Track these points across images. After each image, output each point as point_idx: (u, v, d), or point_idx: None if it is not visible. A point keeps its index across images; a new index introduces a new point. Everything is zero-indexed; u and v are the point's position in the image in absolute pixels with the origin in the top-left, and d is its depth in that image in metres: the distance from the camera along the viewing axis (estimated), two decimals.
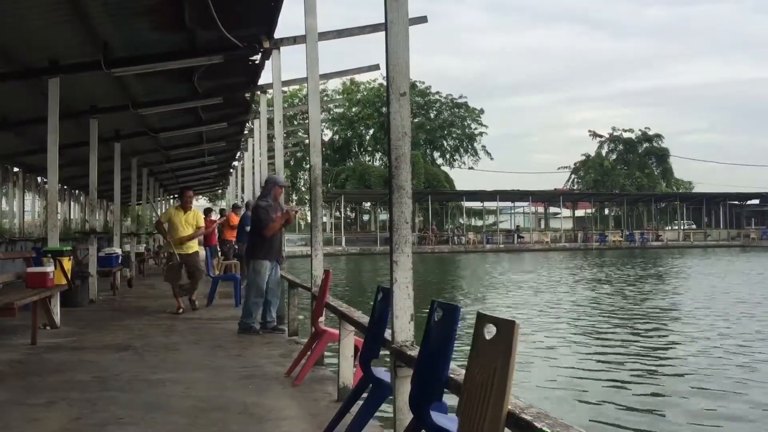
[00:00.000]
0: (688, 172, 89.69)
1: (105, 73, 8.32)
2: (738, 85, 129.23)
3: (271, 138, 14.08)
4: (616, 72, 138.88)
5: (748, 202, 64.94)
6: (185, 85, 10.61)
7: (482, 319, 2.42)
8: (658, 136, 70.24)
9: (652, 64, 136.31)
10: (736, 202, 64.12)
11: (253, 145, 16.82)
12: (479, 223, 62.17)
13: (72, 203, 31.44)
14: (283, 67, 9.44)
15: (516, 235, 54.06)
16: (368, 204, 61.76)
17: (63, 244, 9.84)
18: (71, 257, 9.47)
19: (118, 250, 13.99)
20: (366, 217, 64.21)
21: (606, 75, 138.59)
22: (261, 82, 11.81)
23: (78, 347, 7.25)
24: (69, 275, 8.96)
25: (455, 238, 52.63)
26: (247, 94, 13.05)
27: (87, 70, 8.71)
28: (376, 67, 12.19)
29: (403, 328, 3.41)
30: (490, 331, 2.36)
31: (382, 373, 3.76)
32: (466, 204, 58.13)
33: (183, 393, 5.13)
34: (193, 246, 10.30)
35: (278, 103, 9.46)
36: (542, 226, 65.96)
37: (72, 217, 30.92)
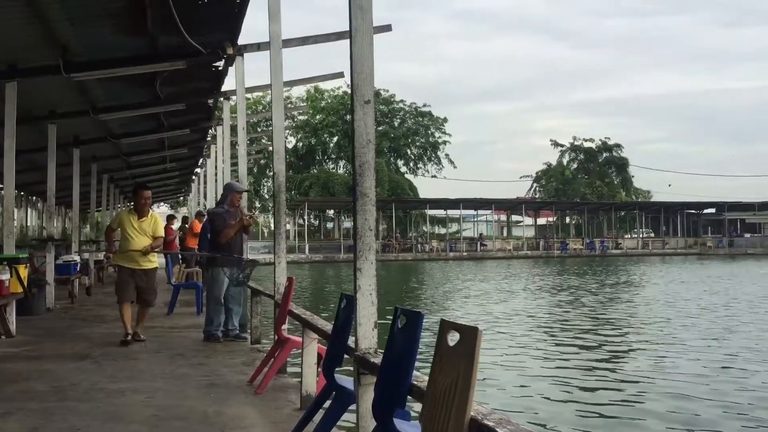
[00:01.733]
0: (646, 182, 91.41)
1: (65, 77, 8.18)
2: (695, 96, 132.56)
3: (234, 145, 13.99)
4: (578, 82, 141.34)
5: (705, 211, 66.49)
6: (147, 90, 10.48)
7: (445, 326, 2.44)
8: (618, 146, 71.62)
9: (613, 74, 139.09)
10: (693, 211, 65.58)
11: (216, 151, 16.69)
12: (443, 230, 62.50)
13: (29, 210, 30.77)
14: (247, 74, 9.41)
15: (479, 243, 54.46)
16: (332, 212, 61.66)
17: (19, 252, 9.63)
18: (28, 265, 9.27)
19: (77, 258, 13.72)
20: (330, 225, 64.06)
21: (568, 84, 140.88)
22: (224, 88, 11.75)
23: (35, 356, 7.09)
24: (25, 283, 8.77)
25: (419, 245, 52.82)
26: (210, 101, 12.95)
27: (46, 74, 8.54)
28: (341, 75, 12.22)
29: (367, 336, 3.41)
30: (453, 338, 2.38)
31: (345, 380, 3.75)
32: (430, 212, 58.42)
33: (142, 402, 5.05)
34: (152, 260, 8.03)
35: (241, 110, 9.40)
36: (505, 234, 66.60)
37: (29, 223, 30.26)
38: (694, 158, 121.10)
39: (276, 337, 5.75)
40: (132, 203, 8.45)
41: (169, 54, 8.40)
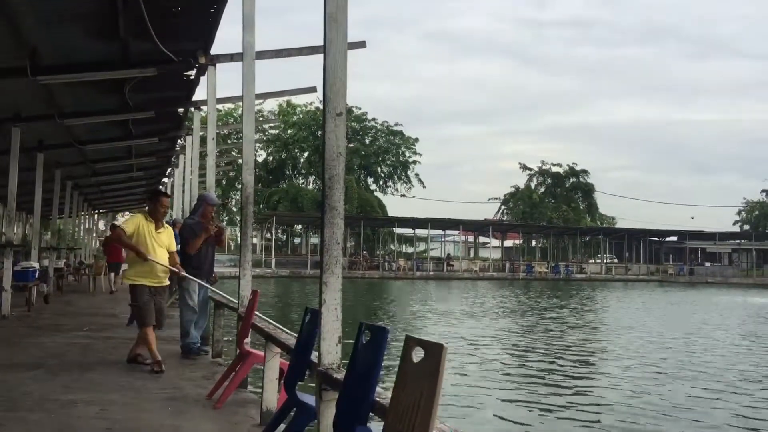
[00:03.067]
0: (613, 208, 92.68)
1: (31, 79, 8.01)
2: (660, 126, 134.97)
3: (203, 155, 13.85)
4: (548, 107, 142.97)
5: (667, 239, 67.64)
6: (116, 96, 10.31)
7: (410, 342, 2.40)
8: (585, 172, 72.62)
9: (581, 101, 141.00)
10: (656, 239, 66.70)
11: (185, 162, 16.51)
12: (410, 249, 62.57)
13: None
14: (219, 85, 9.32)
15: (446, 263, 54.60)
16: (300, 227, 61.40)
17: None
18: None
19: (36, 265, 13.40)
20: (297, 240, 63.75)
21: (538, 109, 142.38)
22: (195, 98, 11.63)
23: None
24: None
25: (386, 264, 52.76)
26: (180, 110, 12.81)
27: (11, 76, 8.35)
28: (313, 90, 12.21)
29: (330, 351, 3.35)
30: (418, 354, 2.34)
31: (306, 396, 3.69)
32: (398, 230, 58.51)
33: (96, 415, 4.90)
34: (165, 277, 7.00)
35: (212, 120, 9.31)
36: (472, 255, 66.92)
37: None
38: (657, 187, 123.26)
39: (238, 350, 5.65)
40: (149, 207, 7.10)
41: (140, 61, 8.28)
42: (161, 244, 6.83)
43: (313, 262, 48.79)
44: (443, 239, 65.10)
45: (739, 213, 78.97)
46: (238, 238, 59.37)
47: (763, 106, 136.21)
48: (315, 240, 57.16)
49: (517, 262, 58.14)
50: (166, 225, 7.14)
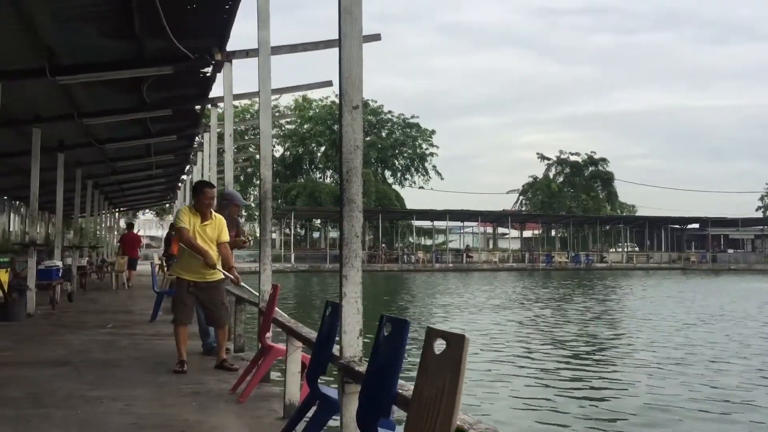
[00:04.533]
0: (631, 196, 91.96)
1: (49, 80, 8.08)
2: (678, 113, 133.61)
3: (221, 152, 13.91)
4: (563, 96, 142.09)
5: (689, 226, 66.96)
6: (133, 95, 10.38)
7: (432, 334, 2.40)
8: (604, 160, 72.03)
9: (597, 89, 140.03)
10: (677, 226, 66.07)
11: (203, 159, 16.58)
12: (429, 242, 62.50)
13: (12, 214, 30.47)
14: (236, 81, 9.35)
15: (465, 255, 54.48)
16: (318, 221, 61.55)
17: (0, 256, 9.50)
18: (9, 270, 9.15)
19: (59, 263, 13.56)
20: (316, 235, 63.92)
21: (553, 99, 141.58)
22: (212, 95, 11.66)
23: (12, 363, 6.97)
24: (6, 288, 8.66)
25: (405, 256, 52.76)
26: (197, 107, 12.86)
27: (31, 77, 8.43)
28: (329, 84, 12.16)
29: (352, 344, 3.37)
30: (439, 346, 2.34)
31: (328, 389, 3.71)
32: (416, 223, 58.45)
33: (122, 410, 4.96)
34: (216, 272, 6.63)
35: (229, 117, 9.34)
36: (491, 246, 66.71)
37: (11, 228, 29.94)
38: (676, 174, 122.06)
39: (260, 345, 5.68)
40: (193, 200, 6.80)
41: (156, 59, 8.32)
42: (208, 239, 6.56)
43: (332, 256, 48.92)
44: (462, 231, 64.95)
45: (761, 199, 77.99)
46: (257, 234, 59.66)
47: None
48: (334, 234, 57.30)
49: (536, 252, 57.87)
50: (215, 215, 6.73)
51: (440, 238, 61.66)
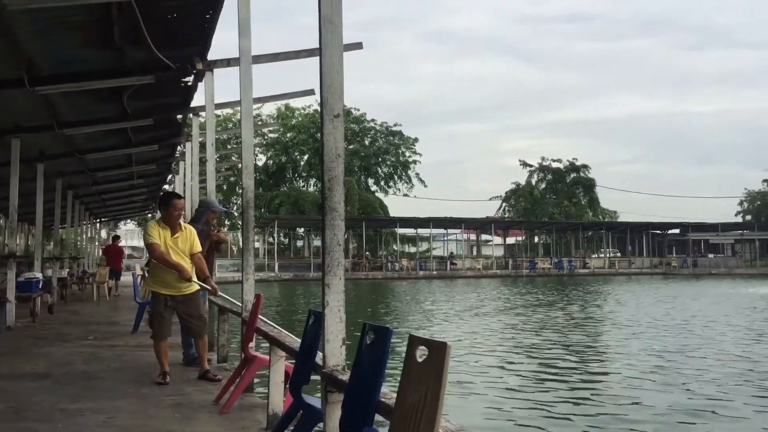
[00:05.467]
0: (613, 202, 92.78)
1: (29, 90, 8.02)
2: (660, 119, 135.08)
3: (203, 161, 13.86)
4: (547, 103, 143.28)
5: (670, 232, 67.56)
6: (114, 105, 10.33)
7: (414, 341, 2.41)
8: (585, 167, 72.55)
9: (581, 96, 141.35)
10: (658, 232, 66.62)
11: (185, 168, 16.52)
12: (413, 249, 62.57)
13: None
14: (218, 91, 9.34)
15: (449, 262, 54.59)
16: (302, 230, 61.43)
17: None
18: None
19: (39, 275, 13.42)
20: (300, 243, 63.77)
21: (536, 106, 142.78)
22: (194, 104, 11.64)
23: None
24: None
25: (389, 264, 52.77)
26: (179, 116, 12.82)
27: (10, 87, 8.36)
28: (311, 92, 12.18)
29: (335, 353, 3.36)
30: (422, 354, 2.35)
31: (312, 399, 3.69)
32: (400, 230, 58.50)
33: (104, 423, 4.91)
34: (192, 284, 6.52)
35: (211, 126, 9.32)
36: (474, 253, 66.90)
37: None
38: (658, 179, 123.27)
39: (243, 355, 5.65)
40: (161, 212, 6.58)
41: (137, 68, 8.29)
42: (179, 251, 6.42)
43: (316, 264, 48.79)
44: (446, 238, 65.08)
45: (740, 203, 78.95)
46: (240, 243, 59.44)
47: (763, 95, 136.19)
48: (317, 242, 57.18)
49: (519, 258, 58.12)
50: (185, 226, 6.59)
51: (424, 246, 61.76)
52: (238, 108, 7.13)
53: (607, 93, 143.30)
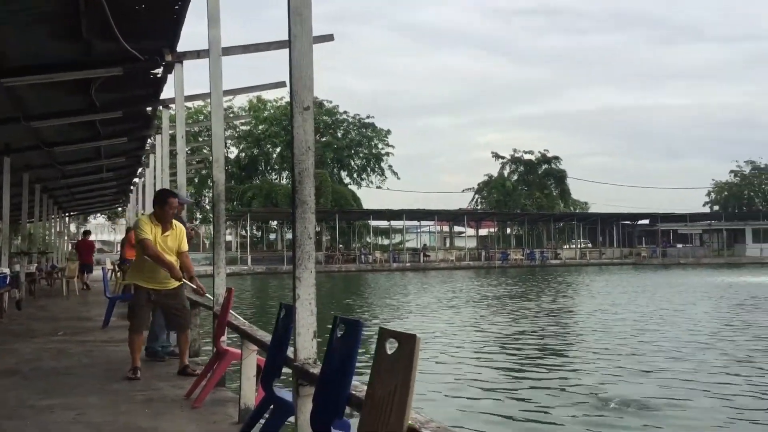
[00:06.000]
0: (584, 194, 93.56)
1: None
2: (630, 112, 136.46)
3: (173, 154, 13.72)
4: (518, 96, 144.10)
5: (639, 222, 68.45)
6: (82, 97, 10.16)
7: (384, 334, 2.42)
8: (557, 158, 73.04)
9: (551, 89, 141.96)
10: (628, 222, 67.45)
11: (155, 161, 16.33)
12: (386, 241, 62.63)
13: None
14: (189, 83, 9.24)
15: (422, 254, 54.75)
16: (275, 223, 61.14)
17: None
18: None
19: (6, 271, 13.21)
20: (273, 236, 63.48)
21: (508, 99, 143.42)
22: (164, 96, 11.49)
23: None
24: None
25: (362, 256, 52.77)
26: (148, 109, 12.66)
27: None
28: (283, 84, 12.08)
29: (306, 346, 3.37)
30: (391, 346, 2.36)
31: (284, 392, 3.69)
32: (373, 223, 58.48)
33: (74, 419, 4.86)
34: (171, 282, 6.48)
35: (180, 118, 9.23)
36: (447, 244, 67.16)
37: None
38: (628, 171, 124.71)
39: (215, 349, 5.63)
40: (155, 210, 6.57)
41: (105, 60, 8.16)
42: (168, 249, 6.42)
43: (289, 257, 48.50)
44: (419, 230, 65.22)
45: (708, 194, 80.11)
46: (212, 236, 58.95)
47: (730, 89, 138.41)
48: (290, 235, 56.96)
49: (492, 250, 58.46)
50: (175, 224, 6.59)
51: (397, 238, 61.84)
52: (209, 100, 7.06)
53: (578, 86, 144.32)
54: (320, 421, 2.76)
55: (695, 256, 60.20)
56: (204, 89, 12.84)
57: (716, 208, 75.66)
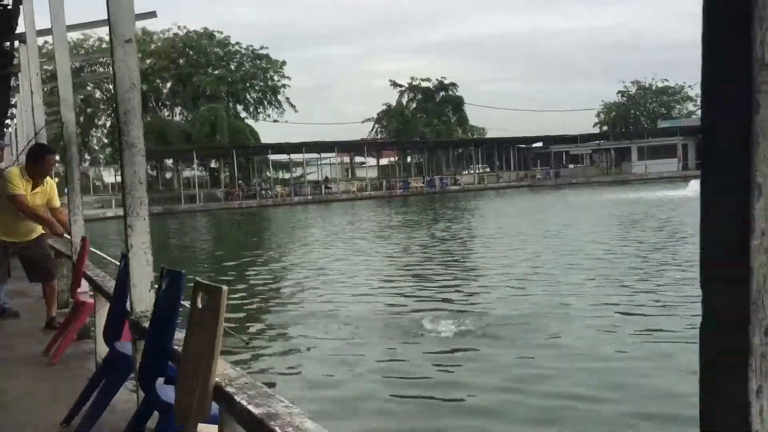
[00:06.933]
0: (482, 119, 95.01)
1: None
2: (526, 37, 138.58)
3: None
4: (415, 24, 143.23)
5: (534, 146, 70.42)
6: None
7: (197, 287, 2.26)
8: (454, 85, 73.50)
9: (448, 16, 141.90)
10: (524, 146, 69.29)
11: (19, 101, 15.22)
12: (287, 176, 61.89)
13: None
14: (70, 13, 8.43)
15: (324, 186, 54.53)
16: (170, 161, 59.11)
17: None
18: None
19: None
20: (169, 175, 61.47)
21: (405, 26, 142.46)
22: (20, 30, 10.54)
23: None
24: None
25: (263, 192, 52.03)
26: (6, 44, 11.63)
27: None
28: (153, 15, 11.32)
29: (143, 297, 3.18)
30: (203, 299, 2.21)
31: (127, 346, 3.50)
32: (273, 157, 57.53)
33: None
34: (36, 228, 6.31)
35: (33, 54, 8.52)
36: (349, 176, 67.09)
37: None
38: (525, 96, 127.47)
39: (73, 301, 5.33)
40: (31, 165, 6.19)
41: None
42: (36, 206, 6.16)
43: (187, 196, 47.46)
44: (319, 162, 64.71)
45: (598, 115, 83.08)
46: (103, 179, 56.52)
47: (618, 10, 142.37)
48: (187, 173, 55.46)
49: (393, 179, 58.90)
50: (47, 180, 6.32)
51: (298, 171, 61.17)
52: (91, 33, 6.50)
53: (476, 13, 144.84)
54: (146, 378, 2.60)
55: (585, 175, 62.76)
56: (84, 17, 11.86)
57: (605, 128, 78.66)
